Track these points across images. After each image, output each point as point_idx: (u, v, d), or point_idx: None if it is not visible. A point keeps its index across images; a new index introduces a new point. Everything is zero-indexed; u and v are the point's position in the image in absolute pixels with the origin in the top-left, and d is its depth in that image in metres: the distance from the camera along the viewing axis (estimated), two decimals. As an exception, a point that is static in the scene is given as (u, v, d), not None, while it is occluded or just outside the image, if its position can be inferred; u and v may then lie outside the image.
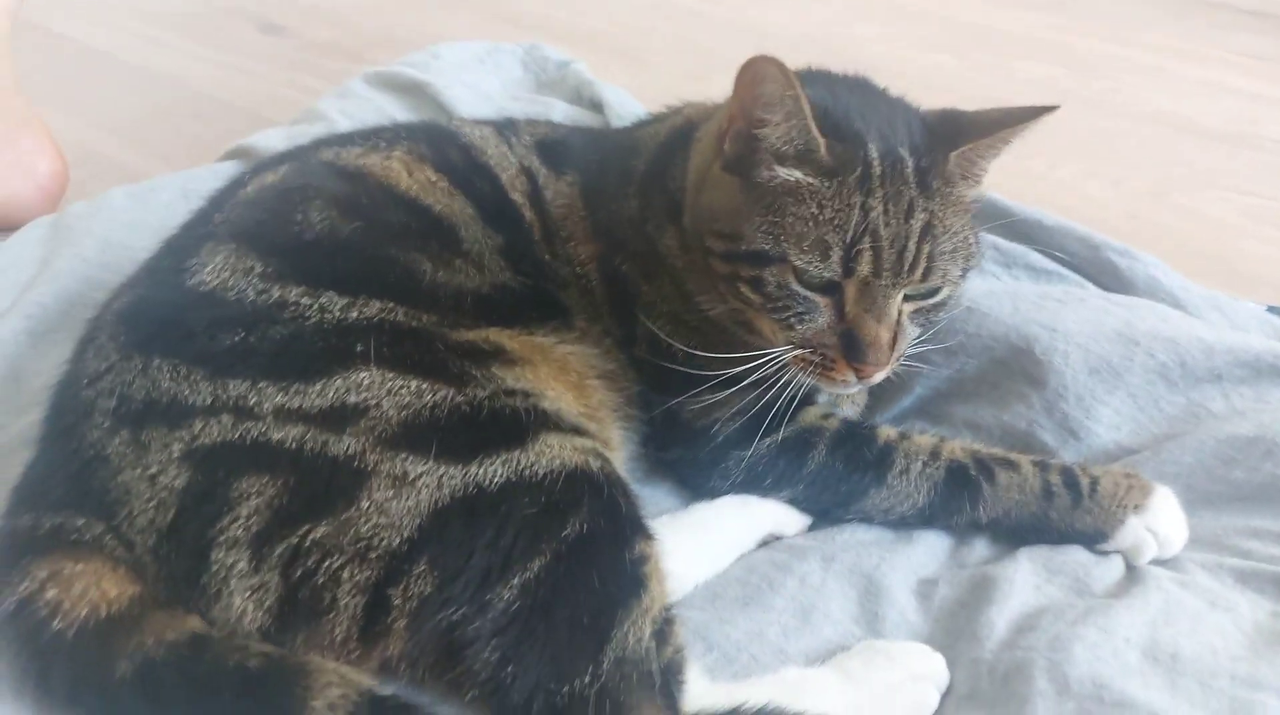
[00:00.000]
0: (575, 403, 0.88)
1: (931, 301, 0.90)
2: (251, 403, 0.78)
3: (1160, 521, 0.91)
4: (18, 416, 1.03)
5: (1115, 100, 1.97)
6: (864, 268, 0.85)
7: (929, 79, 1.98)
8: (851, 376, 0.88)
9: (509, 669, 0.74)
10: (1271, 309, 1.17)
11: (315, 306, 0.83)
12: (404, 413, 0.78)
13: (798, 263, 0.85)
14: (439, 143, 1.02)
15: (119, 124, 1.84)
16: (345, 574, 0.75)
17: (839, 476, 0.95)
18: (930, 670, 0.82)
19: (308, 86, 1.91)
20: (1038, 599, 0.87)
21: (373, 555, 0.75)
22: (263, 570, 0.75)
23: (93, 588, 0.75)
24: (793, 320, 0.88)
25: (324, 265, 0.86)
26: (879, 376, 0.90)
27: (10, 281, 1.18)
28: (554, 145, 1.07)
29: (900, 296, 0.88)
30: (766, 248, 0.86)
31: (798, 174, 0.85)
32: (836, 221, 0.84)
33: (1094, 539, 0.93)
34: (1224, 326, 1.09)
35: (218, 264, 0.86)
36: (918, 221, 0.85)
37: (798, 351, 0.89)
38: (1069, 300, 1.07)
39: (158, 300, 0.87)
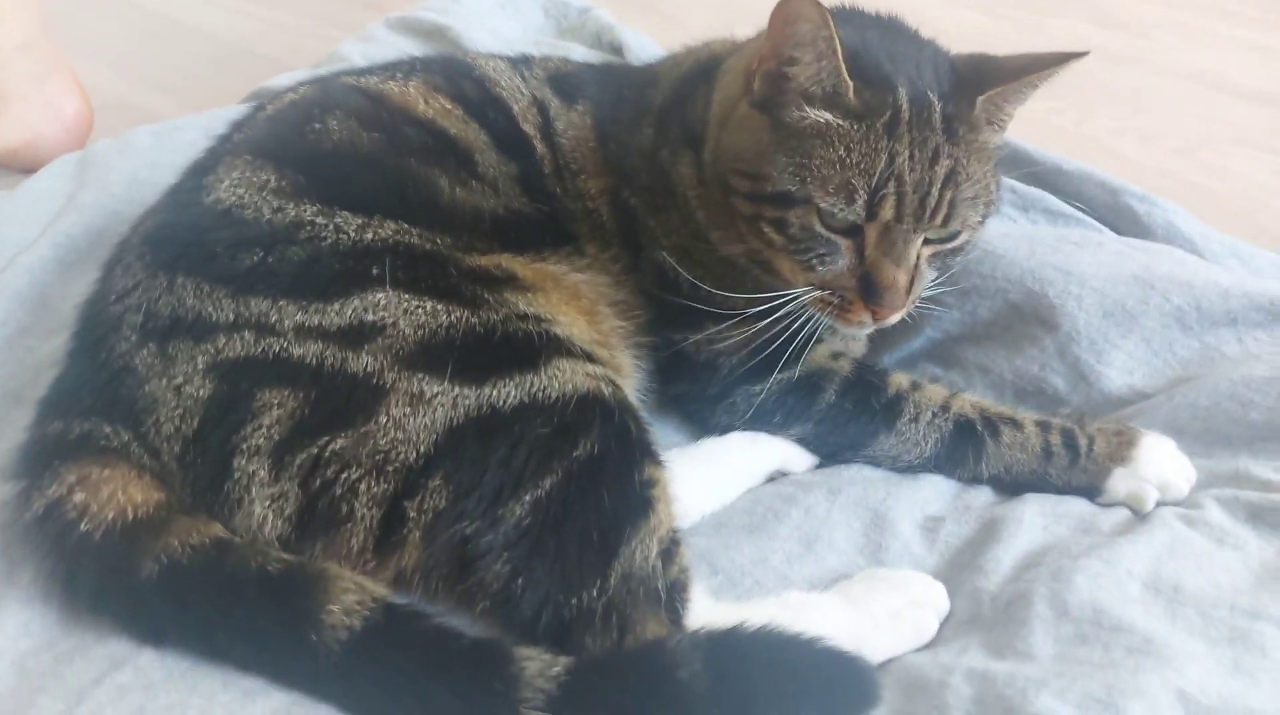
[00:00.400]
0: (587, 329, 0.90)
1: (950, 246, 0.92)
2: (273, 320, 0.81)
3: (1150, 470, 0.92)
4: (46, 339, 1.07)
5: (1148, 57, 1.95)
6: (887, 212, 0.86)
7: (960, 35, 1.96)
8: (868, 317, 0.90)
9: (519, 581, 0.78)
10: (1293, 257, 1.17)
11: (330, 227, 0.85)
12: (420, 332, 0.81)
13: (822, 205, 0.86)
14: (453, 74, 1.04)
15: (146, 72, 1.87)
16: (363, 486, 0.78)
17: (848, 418, 0.97)
18: (930, 597, 0.84)
19: (330, 36, 1.92)
20: (1045, 538, 0.89)
21: (390, 468, 0.78)
22: (283, 479, 0.78)
23: (119, 493, 0.79)
24: (814, 261, 0.89)
25: (340, 178, 0.89)
26: (894, 318, 0.92)
27: (38, 214, 1.22)
28: (567, 78, 1.08)
29: (920, 241, 0.89)
30: (792, 189, 0.87)
31: (826, 116, 0.86)
32: (863, 165, 0.85)
33: (1089, 494, 0.94)
34: (1242, 272, 1.10)
35: (233, 179, 0.89)
36: (942, 168, 0.86)
37: (816, 292, 0.91)
38: (1085, 244, 1.08)
39: (180, 222, 0.90)
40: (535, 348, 0.83)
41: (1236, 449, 0.95)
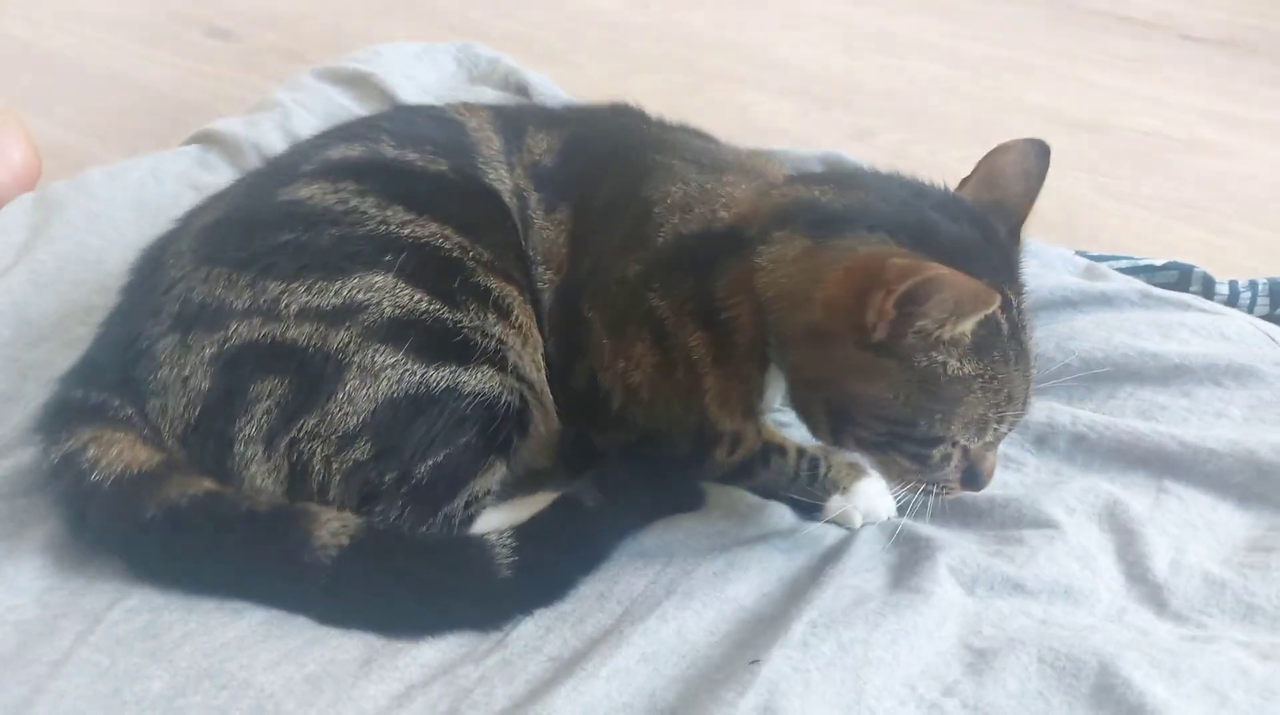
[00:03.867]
0: (534, 369, 1.04)
1: None
2: (282, 303, 0.95)
3: (861, 499, 1.07)
4: (27, 349, 1.25)
5: (994, 95, 2.29)
6: (1004, 428, 0.94)
7: (833, 78, 2.30)
8: (960, 493, 0.99)
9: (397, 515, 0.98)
10: (1078, 253, 1.48)
11: (379, 218, 0.98)
12: (396, 312, 0.95)
13: (962, 440, 0.93)
14: (458, 158, 1.10)
15: (82, 122, 2.06)
16: (320, 450, 0.97)
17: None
18: None
19: (256, 86, 2.14)
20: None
21: (334, 436, 0.96)
22: (274, 457, 0.97)
23: (127, 451, 0.98)
24: (932, 469, 0.96)
25: (406, 184, 1.01)
26: None
27: (7, 244, 1.40)
28: (549, 176, 1.10)
29: None
30: (941, 434, 0.92)
31: (955, 363, 0.89)
32: (990, 400, 0.91)
33: (814, 507, 1.09)
34: (1035, 266, 1.40)
35: (314, 188, 1.01)
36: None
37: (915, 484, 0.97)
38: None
39: (236, 217, 1.03)
40: (478, 352, 0.98)
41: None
